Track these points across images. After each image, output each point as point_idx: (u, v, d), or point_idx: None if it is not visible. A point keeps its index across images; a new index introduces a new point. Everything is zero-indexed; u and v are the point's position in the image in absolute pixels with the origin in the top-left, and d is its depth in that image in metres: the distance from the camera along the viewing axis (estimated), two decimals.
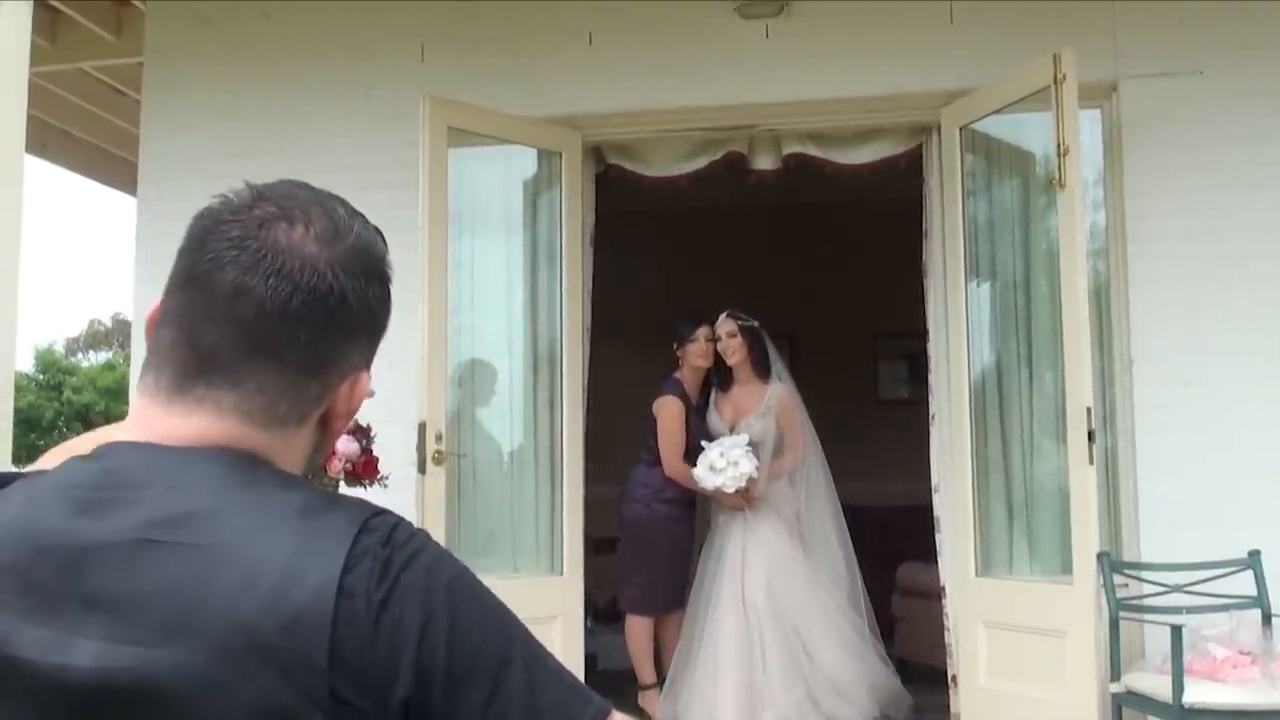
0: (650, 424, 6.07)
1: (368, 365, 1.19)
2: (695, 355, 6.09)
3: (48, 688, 0.99)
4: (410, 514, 4.01)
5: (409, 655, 0.98)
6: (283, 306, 1.09)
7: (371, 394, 1.48)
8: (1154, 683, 4.36)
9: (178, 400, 1.10)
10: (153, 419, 1.11)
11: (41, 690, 0.99)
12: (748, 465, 5.67)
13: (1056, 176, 4.71)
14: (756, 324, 6.06)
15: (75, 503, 1.04)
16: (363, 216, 1.18)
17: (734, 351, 5.99)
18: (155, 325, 1.14)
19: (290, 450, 1.14)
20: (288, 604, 0.97)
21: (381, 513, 1.05)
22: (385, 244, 1.19)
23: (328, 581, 0.98)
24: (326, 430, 1.18)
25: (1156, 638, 4.59)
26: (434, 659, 0.99)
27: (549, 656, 1.07)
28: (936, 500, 5.43)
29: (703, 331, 6.06)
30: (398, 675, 0.98)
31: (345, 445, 4.37)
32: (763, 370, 6.02)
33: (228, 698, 0.96)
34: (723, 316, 6.05)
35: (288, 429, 1.13)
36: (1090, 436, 4.54)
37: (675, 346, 6.16)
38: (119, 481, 1.06)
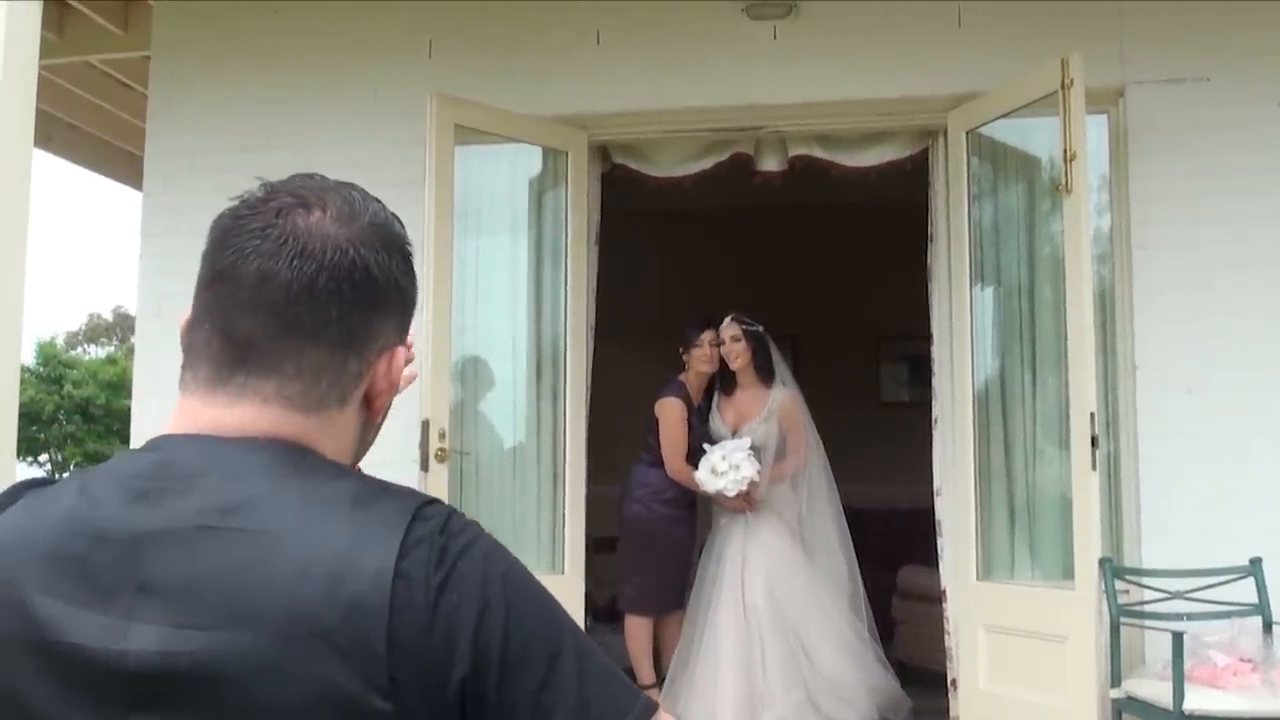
0: (652, 424, 6.07)
1: (403, 340, 1.20)
2: (700, 360, 6.09)
3: (107, 673, 1.00)
4: None
5: (466, 640, 1.00)
6: (309, 285, 1.11)
7: (413, 375, 1.50)
8: (1155, 689, 4.36)
9: (219, 392, 1.12)
10: (196, 412, 1.12)
11: (100, 676, 1.00)
12: (749, 469, 5.67)
13: (1063, 182, 4.71)
14: (761, 328, 6.06)
15: (131, 492, 1.06)
16: (378, 200, 1.20)
17: (738, 355, 5.99)
18: (188, 328, 1.16)
19: (338, 434, 1.16)
20: (346, 590, 0.98)
21: (433, 501, 1.07)
22: (402, 225, 1.21)
23: (384, 567, 0.99)
24: (371, 410, 1.19)
25: (1157, 644, 4.59)
26: (490, 645, 1.01)
27: (598, 651, 1.08)
28: (938, 504, 5.43)
29: (708, 336, 6.06)
30: (454, 660, 0.99)
31: None
32: (766, 375, 6.02)
33: (289, 681, 0.97)
34: (727, 320, 6.04)
35: (331, 410, 1.14)
36: (1093, 442, 4.54)
37: (680, 351, 6.16)
38: (173, 471, 1.07)
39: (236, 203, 1.16)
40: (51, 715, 1.01)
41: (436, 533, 1.03)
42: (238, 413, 1.11)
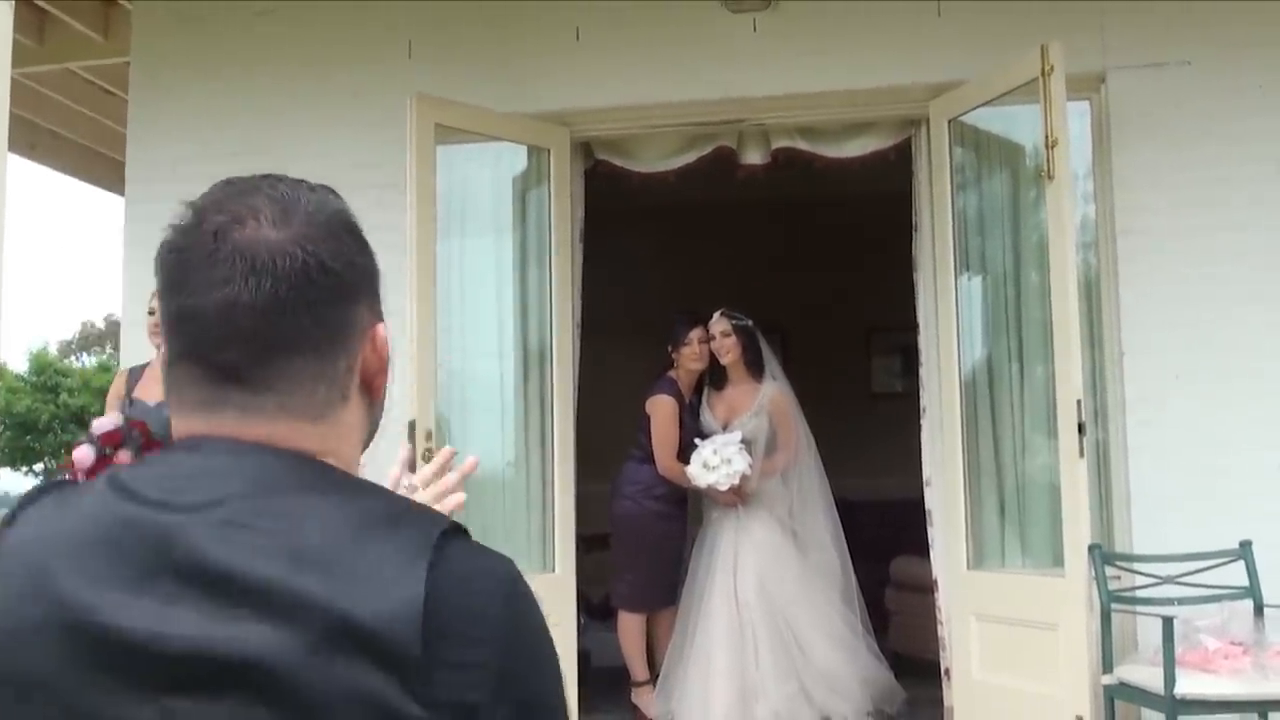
0: (643, 421, 6.07)
1: (379, 317, 1.20)
2: (689, 358, 6.09)
3: (142, 656, 0.99)
4: None
5: (486, 676, 1.02)
6: (272, 300, 1.09)
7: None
8: (1146, 674, 4.36)
9: (223, 412, 1.11)
10: (205, 429, 1.12)
11: (135, 658, 0.99)
12: (741, 463, 5.68)
13: (1045, 169, 4.70)
14: (750, 323, 6.06)
15: (164, 487, 1.06)
16: (305, 182, 1.18)
17: (728, 350, 5.99)
18: (165, 366, 1.15)
19: (350, 430, 1.16)
20: (383, 599, 0.99)
21: (455, 525, 1.08)
22: (337, 195, 1.19)
23: (418, 582, 1.00)
24: (372, 392, 1.19)
25: (1148, 629, 4.60)
26: (506, 688, 1.03)
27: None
28: (928, 494, 5.43)
29: (696, 334, 6.06)
30: (477, 687, 1.01)
31: (81, 455, 4.56)
32: (756, 369, 6.02)
33: (327, 679, 0.97)
34: (716, 315, 6.04)
35: (336, 411, 1.14)
36: (1081, 429, 4.53)
37: (670, 349, 6.16)
38: (203, 470, 1.07)
39: (171, 233, 1.14)
40: (80, 699, 1.01)
41: (461, 557, 1.04)
42: (250, 430, 1.11)
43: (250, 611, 0.99)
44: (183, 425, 1.14)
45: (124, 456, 4.70)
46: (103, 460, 4.67)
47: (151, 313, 5.12)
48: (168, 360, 1.15)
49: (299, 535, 1.02)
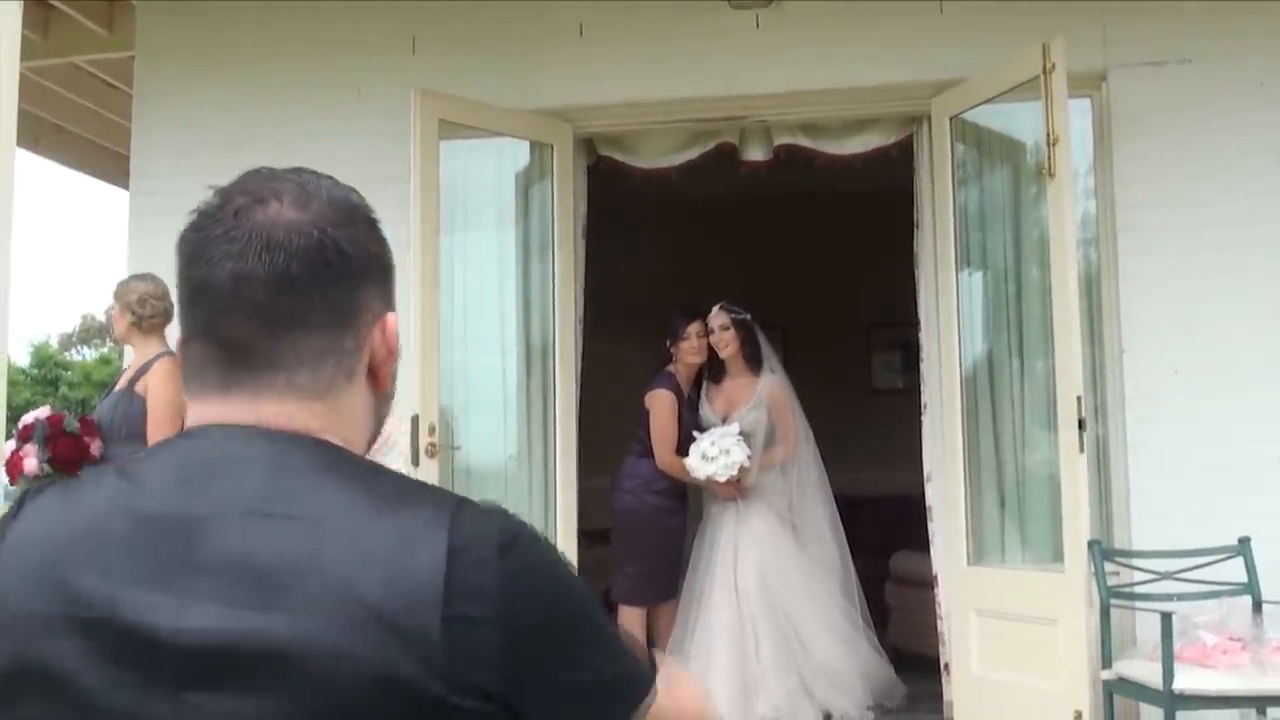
0: (643, 416, 6.08)
1: (391, 306, 1.22)
2: (688, 352, 6.10)
3: (161, 650, 1.00)
4: None
5: (510, 633, 1.03)
6: (285, 276, 1.11)
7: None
8: (1145, 670, 4.38)
9: (234, 392, 1.13)
10: (218, 414, 1.13)
11: (154, 653, 1.01)
12: (739, 454, 5.69)
13: (1046, 166, 4.72)
14: (749, 316, 6.07)
15: (176, 477, 1.08)
16: (331, 177, 1.21)
17: (726, 344, 6.00)
18: (181, 347, 1.18)
19: (355, 413, 1.18)
20: (404, 581, 1.00)
21: (467, 500, 1.09)
22: (360, 195, 1.22)
23: (438, 561, 1.01)
24: (378, 381, 1.21)
25: (1147, 625, 4.62)
26: (528, 639, 1.05)
27: (618, 631, 1.16)
28: (928, 489, 5.44)
29: (694, 328, 6.07)
30: (502, 650, 1.03)
31: (29, 464, 4.74)
32: (754, 363, 6.03)
33: (349, 663, 0.99)
34: (715, 309, 6.06)
35: (341, 391, 1.15)
36: (1081, 425, 4.55)
37: (668, 343, 6.18)
38: (218, 457, 1.09)
39: (195, 215, 1.16)
40: (95, 694, 1.01)
41: (480, 530, 1.05)
42: (259, 410, 1.12)
43: (272, 602, 1.00)
44: (196, 410, 1.15)
45: (29, 450, 4.79)
46: (15, 455, 4.78)
47: (141, 314, 5.15)
48: (182, 340, 1.17)
49: (318, 522, 1.04)
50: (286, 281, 1.11)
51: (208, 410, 1.14)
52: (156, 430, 4.88)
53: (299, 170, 1.19)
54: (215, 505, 1.05)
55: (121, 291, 5.19)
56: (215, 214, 1.15)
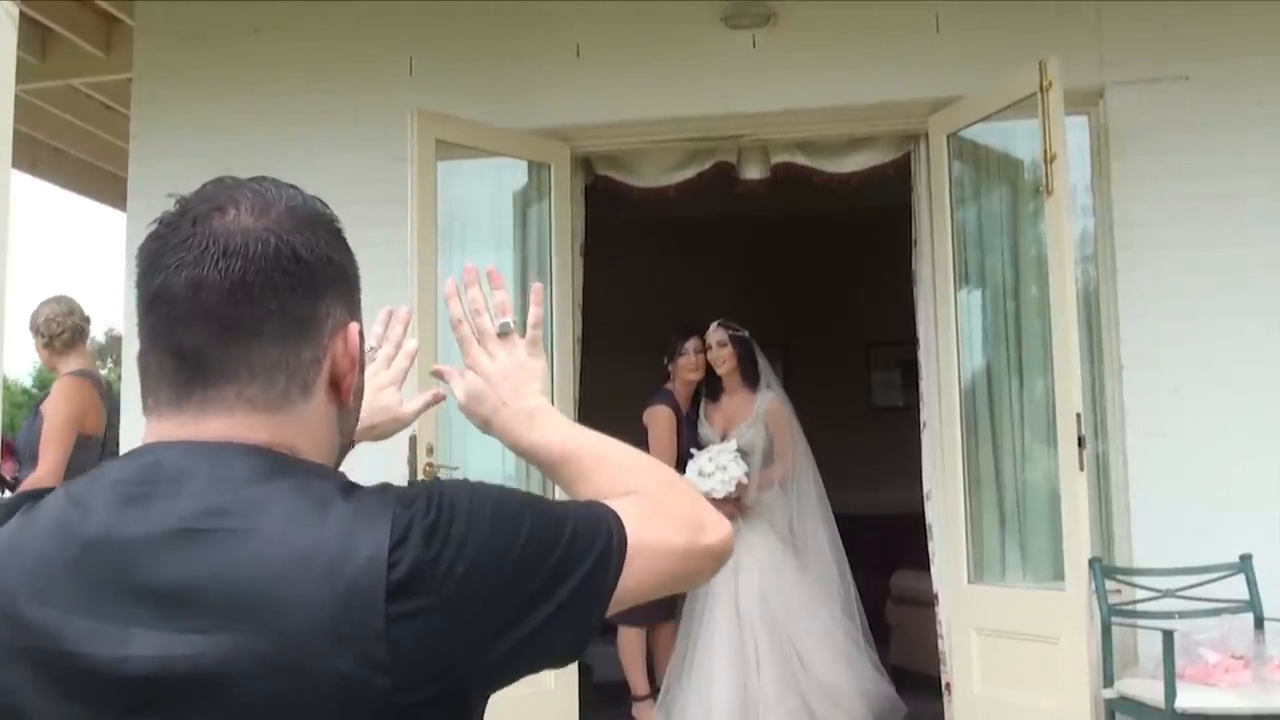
0: (642, 434, 6.07)
1: (355, 317, 1.20)
2: (686, 369, 6.10)
3: (105, 680, 1.00)
4: None
5: (465, 597, 1.04)
6: (240, 283, 1.10)
7: (373, 352, 1.53)
8: (1147, 688, 4.36)
9: (185, 408, 1.12)
10: (167, 431, 1.12)
11: (99, 683, 1.00)
12: (736, 470, 5.69)
13: (1044, 183, 4.72)
14: (747, 334, 6.07)
15: (119, 498, 1.06)
16: (295, 187, 1.20)
17: (724, 361, 6.00)
18: (139, 356, 1.16)
19: (312, 428, 1.16)
20: (344, 577, 1.00)
21: (411, 489, 1.09)
22: (325, 205, 1.21)
23: (378, 551, 1.01)
24: (340, 394, 1.18)
25: (1149, 643, 4.60)
26: (478, 587, 1.05)
27: (558, 527, 1.13)
28: (928, 507, 5.43)
29: (692, 345, 6.08)
30: (453, 621, 1.03)
31: None
32: (752, 380, 6.03)
33: (292, 677, 0.98)
34: (714, 325, 6.06)
35: (296, 404, 1.14)
36: (1081, 443, 4.54)
37: (666, 361, 6.17)
38: (160, 475, 1.07)
39: (155, 225, 1.16)
40: None
41: (424, 513, 1.05)
42: (209, 426, 1.11)
43: (212, 624, 0.99)
44: (151, 426, 1.14)
45: None
46: None
47: (49, 335, 5.15)
48: (140, 353, 1.16)
49: (254, 533, 1.02)
50: (242, 289, 1.10)
51: (161, 426, 1.13)
52: (45, 449, 4.93)
53: (261, 179, 1.19)
54: (153, 524, 1.03)
55: (31, 319, 5.24)
56: (174, 222, 1.14)
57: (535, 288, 1.58)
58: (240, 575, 1.00)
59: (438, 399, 1.69)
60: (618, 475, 1.27)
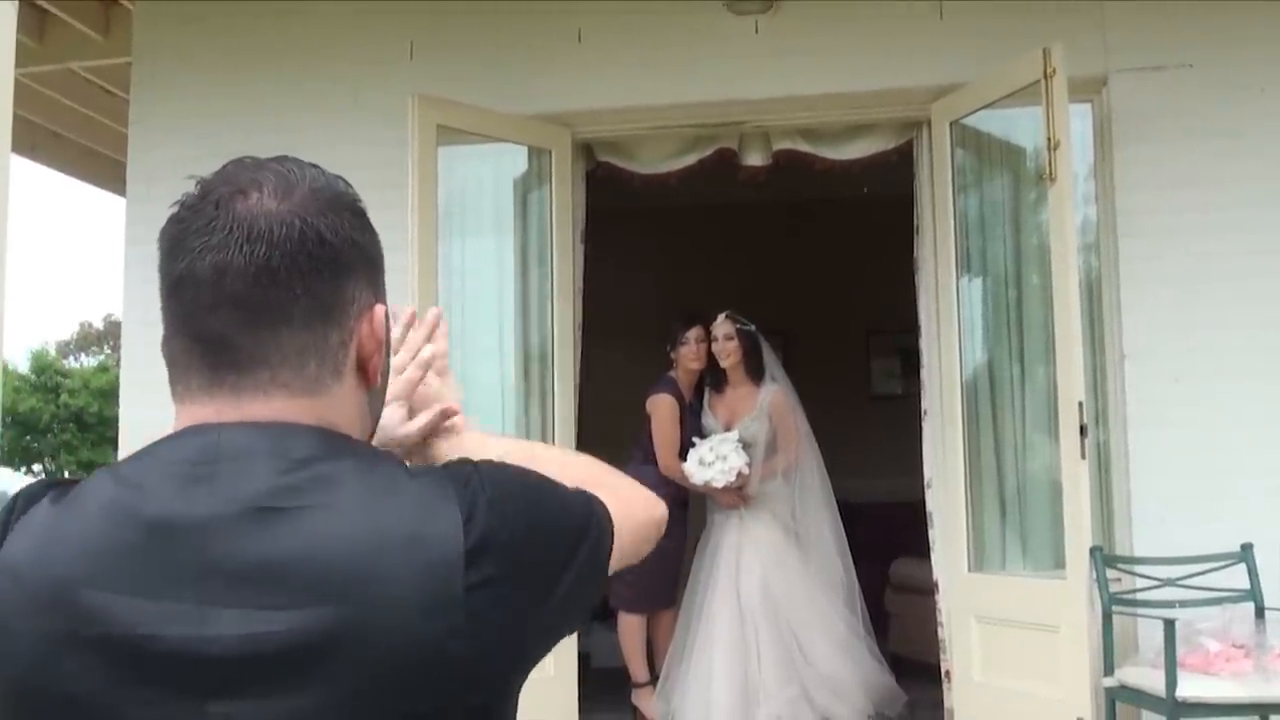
0: (644, 422, 6.06)
1: (381, 298, 1.19)
2: (688, 358, 6.10)
3: (189, 661, 0.99)
4: None
5: (521, 563, 1.08)
6: (265, 267, 1.09)
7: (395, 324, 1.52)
8: (1147, 677, 4.36)
9: (218, 394, 1.10)
10: (208, 415, 1.11)
11: (180, 664, 0.99)
12: (737, 460, 5.68)
13: (1047, 171, 4.70)
14: (754, 328, 6.05)
15: (180, 478, 1.05)
16: (317, 166, 1.18)
17: (729, 354, 5.98)
18: (164, 343, 1.15)
19: (346, 410, 1.15)
20: (424, 550, 1.02)
21: (460, 468, 1.12)
22: (348, 184, 1.20)
23: (454, 525, 1.04)
24: (368, 376, 1.18)
25: (1150, 632, 4.59)
26: (534, 554, 1.10)
27: (572, 511, 1.20)
28: (929, 496, 5.42)
29: (694, 334, 6.06)
30: (514, 583, 1.07)
31: None
32: (756, 374, 6.01)
33: (376, 650, 0.99)
34: (721, 318, 6.03)
35: (328, 386, 1.13)
36: (1082, 431, 4.53)
37: (669, 349, 6.16)
38: (220, 454, 1.06)
39: (176, 207, 1.14)
40: (122, 713, 0.99)
41: (480, 489, 1.08)
42: (247, 409, 1.10)
43: (300, 600, 0.99)
44: (183, 411, 1.12)
45: None
46: None
47: None
48: (164, 338, 1.14)
49: (335, 510, 1.03)
50: (268, 274, 1.09)
51: (194, 411, 1.11)
52: None
53: (283, 159, 1.17)
54: (223, 503, 1.02)
55: None
56: (196, 205, 1.12)
57: (435, 312, 1.61)
58: (324, 551, 1.00)
59: (448, 415, 1.52)
60: (561, 471, 1.27)
